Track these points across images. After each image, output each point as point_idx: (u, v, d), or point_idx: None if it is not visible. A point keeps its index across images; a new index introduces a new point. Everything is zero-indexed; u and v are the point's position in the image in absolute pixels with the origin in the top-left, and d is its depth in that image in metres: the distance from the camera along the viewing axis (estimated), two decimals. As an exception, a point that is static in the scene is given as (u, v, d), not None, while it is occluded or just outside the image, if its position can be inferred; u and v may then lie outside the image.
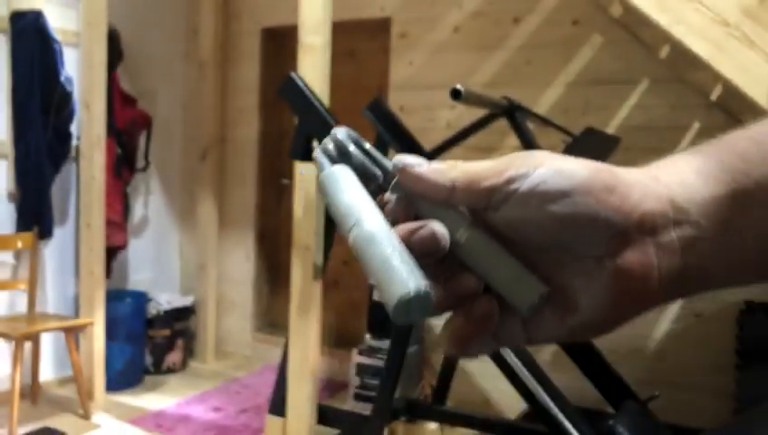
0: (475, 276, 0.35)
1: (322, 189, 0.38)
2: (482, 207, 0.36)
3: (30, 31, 3.09)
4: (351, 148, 0.39)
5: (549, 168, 0.34)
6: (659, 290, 0.35)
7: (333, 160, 0.39)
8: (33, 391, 3.19)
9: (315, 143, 0.37)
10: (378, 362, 3.08)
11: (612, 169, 0.35)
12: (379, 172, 0.39)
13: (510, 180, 0.34)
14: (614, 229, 0.34)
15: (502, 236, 0.36)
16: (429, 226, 0.35)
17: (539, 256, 0.36)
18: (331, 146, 0.39)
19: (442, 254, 0.35)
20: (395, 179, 0.37)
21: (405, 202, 0.37)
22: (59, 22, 3.29)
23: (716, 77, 2.19)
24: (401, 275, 0.32)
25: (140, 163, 3.73)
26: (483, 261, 0.35)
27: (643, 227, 0.34)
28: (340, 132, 0.39)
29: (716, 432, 0.66)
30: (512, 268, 0.35)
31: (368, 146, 0.40)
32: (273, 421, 2.54)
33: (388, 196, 0.38)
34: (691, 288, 0.36)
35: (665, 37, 2.52)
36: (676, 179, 0.35)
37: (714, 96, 2.45)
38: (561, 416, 1.77)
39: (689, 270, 0.35)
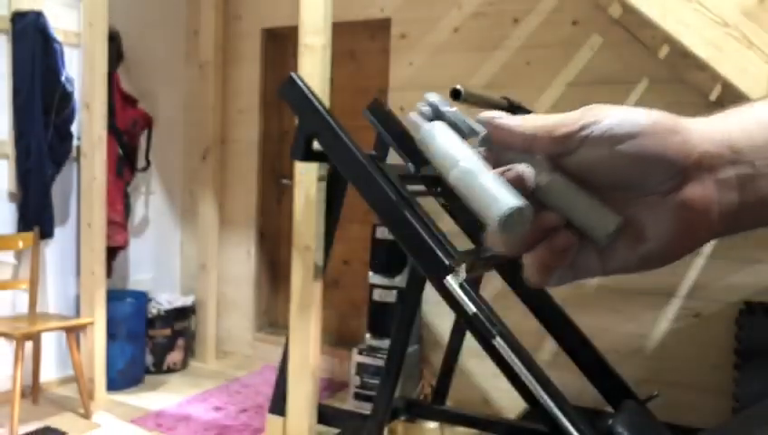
0: (557, 214, 0.40)
1: (423, 143, 0.44)
2: (558, 153, 0.40)
3: (31, 31, 3.09)
4: (445, 108, 0.45)
5: (616, 115, 0.39)
6: (719, 222, 0.39)
7: (428, 120, 0.45)
8: (33, 391, 3.20)
9: (412, 114, 0.38)
10: (378, 361, 3.09)
11: (673, 116, 0.40)
12: (468, 129, 0.44)
13: (583, 127, 0.39)
14: (676, 167, 0.38)
15: (576, 178, 0.40)
16: (516, 168, 0.40)
17: (610, 194, 0.40)
18: (426, 108, 0.45)
19: (528, 193, 0.39)
20: (482, 134, 0.42)
21: (492, 154, 0.42)
22: (60, 22, 3.30)
23: (715, 77, 2.20)
24: (505, 194, 0.37)
25: (141, 163, 3.74)
26: (563, 199, 0.40)
27: (702, 166, 0.38)
28: (433, 96, 0.45)
29: (715, 432, 0.67)
30: (589, 203, 0.40)
31: (455, 109, 0.45)
32: (273, 421, 2.55)
33: (477, 149, 0.43)
34: (749, 223, 0.40)
35: (664, 37, 2.53)
36: (736, 124, 0.40)
37: (713, 96, 2.46)
38: (560, 415, 1.78)
39: (747, 205, 0.39)
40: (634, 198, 0.40)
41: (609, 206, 0.40)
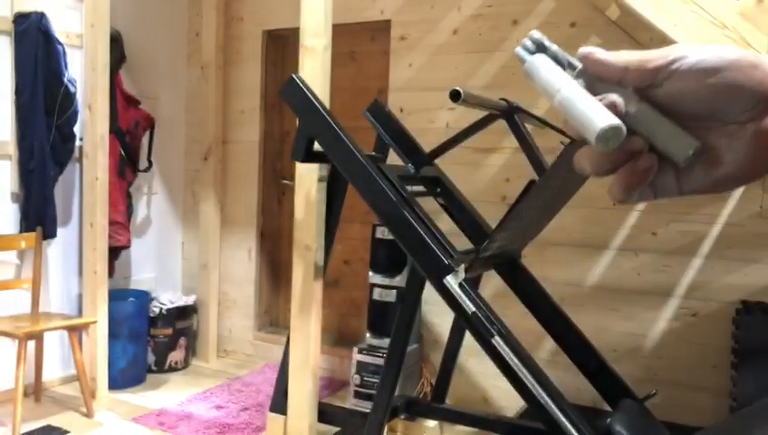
0: (642, 138, 0.44)
1: (529, 73, 0.49)
2: (647, 85, 0.44)
3: (33, 32, 3.11)
4: (546, 42, 0.50)
5: (703, 50, 0.43)
6: None
7: (531, 53, 0.50)
8: (36, 390, 3.22)
9: (518, 49, 0.43)
10: (378, 360, 3.11)
11: (755, 53, 0.44)
12: (567, 62, 0.49)
13: (673, 61, 0.43)
14: (757, 98, 0.42)
15: (661, 109, 0.44)
16: (610, 96, 0.44)
17: (691, 122, 0.44)
18: (529, 43, 0.50)
19: (620, 119, 0.43)
20: (578, 67, 0.47)
21: (587, 85, 0.46)
22: (62, 23, 3.32)
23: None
24: (604, 113, 0.42)
25: (143, 164, 3.75)
26: (648, 125, 0.44)
27: None
28: (536, 33, 0.50)
29: (713, 430, 0.68)
30: (672, 129, 0.44)
31: (556, 46, 0.50)
32: (274, 419, 2.57)
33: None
34: None
35: (662, 39, 2.55)
36: None
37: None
38: (558, 414, 1.79)
39: None
40: (714, 127, 0.44)
41: (689, 133, 0.44)
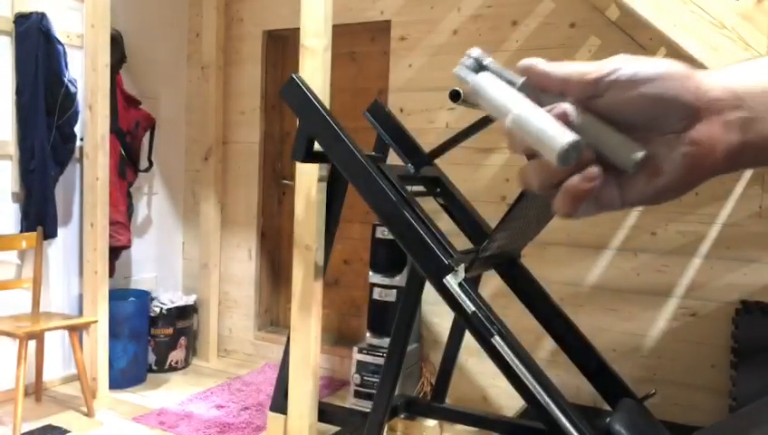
0: (590, 148, 0.45)
1: (475, 93, 0.49)
2: (589, 96, 0.45)
3: (34, 32, 3.12)
4: (487, 60, 0.50)
5: (638, 61, 0.45)
6: (723, 159, 0.45)
7: (472, 71, 0.50)
8: (37, 389, 3.22)
9: (456, 69, 0.42)
10: (378, 359, 3.11)
11: (687, 65, 0.45)
12: (508, 78, 0.49)
13: (610, 72, 0.44)
14: (690, 108, 0.44)
15: (603, 119, 0.46)
16: (560, 105, 0.45)
17: (632, 133, 0.45)
18: (469, 62, 0.50)
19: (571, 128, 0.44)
20: (519, 82, 0.48)
21: (532, 100, 0.47)
22: (63, 24, 3.32)
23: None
24: (561, 131, 0.42)
25: (144, 164, 3.76)
26: (595, 135, 0.45)
27: (711, 108, 0.44)
28: (475, 51, 0.50)
29: (712, 430, 0.69)
30: (617, 137, 0.45)
31: (494, 60, 0.51)
32: (274, 418, 2.57)
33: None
34: (749, 161, 0.46)
35: (661, 39, 2.55)
36: (738, 75, 0.46)
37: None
38: (558, 413, 1.80)
39: (748, 145, 0.45)
40: (653, 137, 0.45)
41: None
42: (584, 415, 1.81)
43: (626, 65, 0.44)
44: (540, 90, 0.47)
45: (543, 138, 0.42)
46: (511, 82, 0.48)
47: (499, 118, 0.46)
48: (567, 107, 0.44)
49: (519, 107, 0.45)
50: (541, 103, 0.46)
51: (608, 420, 1.81)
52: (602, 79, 0.45)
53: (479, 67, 0.50)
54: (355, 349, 3.25)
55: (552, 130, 0.42)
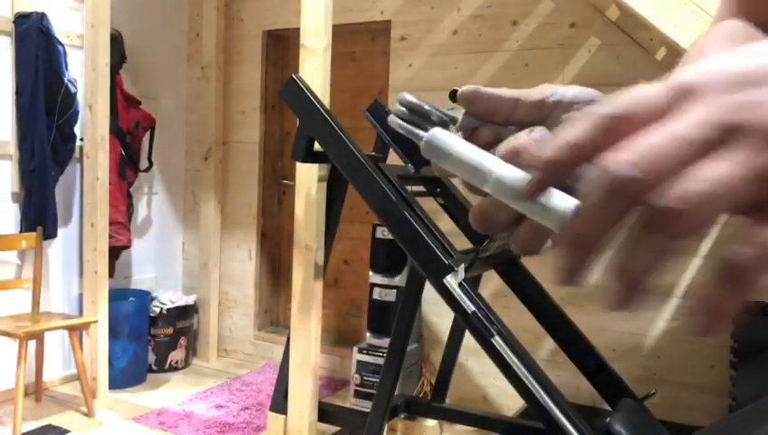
0: None
1: (433, 156, 0.39)
2: (535, 120, 0.45)
3: (34, 32, 3.12)
4: (427, 107, 0.46)
5: (574, 86, 0.46)
6: None
7: (415, 123, 0.46)
8: (37, 389, 3.22)
9: (392, 116, 0.36)
10: (378, 359, 3.11)
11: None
12: (450, 118, 0.46)
13: (553, 93, 0.45)
14: None
15: None
16: (536, 130, 0.42)
17: None
18: (406, 111, 0.46)
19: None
20: (461, 117, 0.45)
21: (474, 134, 0.46)
22: (63, 24, 3.32)
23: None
24: (559, 203, 0.36)
25: (144, 164, 3.76)
26: None
27: None
28: (408, 96, 0.47)
29: (712, 430, 0.69)
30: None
31: (430, 104, 0.47)
32: (274, 418, 2.57)
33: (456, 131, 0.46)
34: None
35: (661, 39, 2.55)
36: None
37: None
38: (558, 413, 1.80)
39: None
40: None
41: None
42: (584, 415, 1.81)
43: (564, 89, 0.45)
44: (485, 116, 0.45)
45: (541, 216, 0.37)
46: (453, 121, 0.45)
47: (474, 183, 0.38)
48: (540, 132, 0.41)
49: (496, 172, 0.37)
50: (479, 140, 0.43)
51: (608, 420, 1.81)
52: (545, 100, 0.45)
53: (420, 115, 0.46)
54: (355, 349, 3.25)
55: (550, 203, 0.36)
